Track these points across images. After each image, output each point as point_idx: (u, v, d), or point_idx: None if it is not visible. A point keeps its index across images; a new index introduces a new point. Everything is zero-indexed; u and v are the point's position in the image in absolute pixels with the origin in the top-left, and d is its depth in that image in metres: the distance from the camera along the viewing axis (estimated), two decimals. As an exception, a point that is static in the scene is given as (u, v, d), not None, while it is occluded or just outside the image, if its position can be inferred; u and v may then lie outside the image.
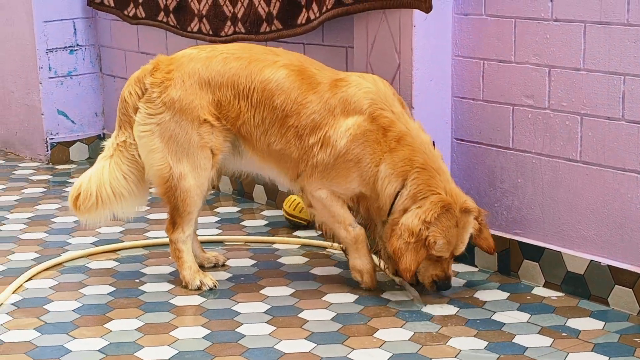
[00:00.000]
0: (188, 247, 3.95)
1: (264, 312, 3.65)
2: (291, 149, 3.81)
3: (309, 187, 3.82)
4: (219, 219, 4.83)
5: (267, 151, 3.87)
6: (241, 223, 4.74)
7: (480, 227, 3.76)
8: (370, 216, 3.86)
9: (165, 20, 5.41)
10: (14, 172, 5.86)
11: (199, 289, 3.90)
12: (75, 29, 6.04)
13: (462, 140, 4.12)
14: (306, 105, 3.78)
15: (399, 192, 3.69)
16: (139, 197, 4.05)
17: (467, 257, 4.05)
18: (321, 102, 3.78)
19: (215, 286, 3.91)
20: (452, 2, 4.03)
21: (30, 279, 4.03)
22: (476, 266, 4.09)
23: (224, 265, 4.19)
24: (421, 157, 3.70)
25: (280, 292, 3.85)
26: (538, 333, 3.43)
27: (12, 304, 3.77)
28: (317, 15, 4.42)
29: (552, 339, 3.37)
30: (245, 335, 3.44)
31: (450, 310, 3.65)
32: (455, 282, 3.92)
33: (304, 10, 4.53)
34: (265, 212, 4.91)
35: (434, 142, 3.82)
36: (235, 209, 5.00)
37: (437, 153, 3.78)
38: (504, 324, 3.51)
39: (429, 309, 3.66)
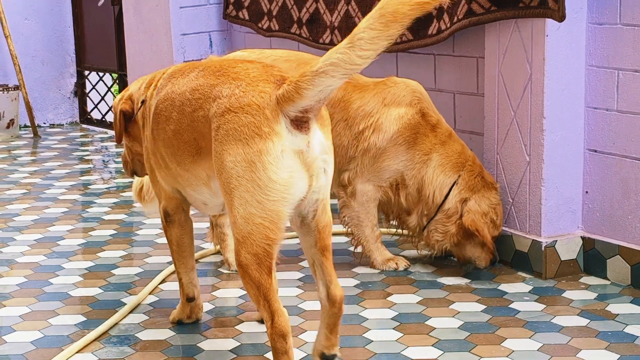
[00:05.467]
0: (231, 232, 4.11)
1: (391, 319, 3.67)
2: (341, 140, 4.17)
3: (357, 179, 4.17)
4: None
5: None
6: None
7: None
8: (408, 205, 4.19)
9: (298, 32, 5.52)
10: (151, 179, 6.05)
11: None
12: (211, 41, 6.22)
13: (595, 150, 4.06)
14: (353, 102, 4.18)
15: (454, 182, 4.10)
16: None
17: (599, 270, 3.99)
18: (370, 96, 4.17)
19: None
20: (586, 12, 3.98)
21: (164, 280, 4.17)
22: (608, 279, 4.02)
23: None
24: (470, 153, 4.19)
25: (407, 299, 3.87)
26: (672, 348, 3.35)
27: (148, 304, 3.90)
28: (448, 25, 4.43)
29: (688, 354, 3.29)
30: (372, 341, 3.47)
31: (581, 321, 3.59)
32: (587, 294, 3.87)
33: (434, 20, 4.56)
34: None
35: None
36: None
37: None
38: (637, 337, 3.44)
39: (559, 319, 3.61)
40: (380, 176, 4.17)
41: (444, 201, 4.12)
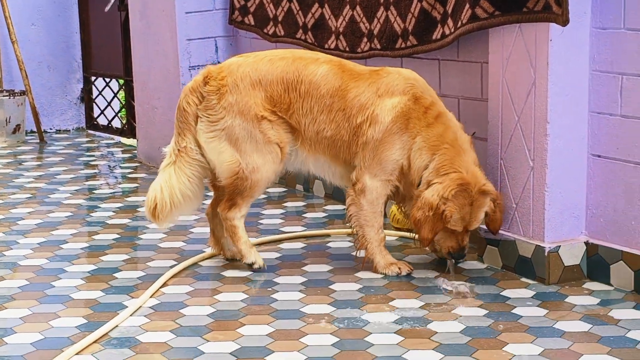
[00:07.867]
0: (242, 224, 4.28)
1: (393, 322, 3.66)
2: (341, 132, 4.18)
3: (365, 175, 4.14)
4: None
5: (317, 139, 4.24)
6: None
7: (495, 209, 4.09)
8: (408, 193, 4.20)
9: (303, 37, 5.51)
10: (156, 184, 6.05)
11: (251, 265, 4.27)
12: (216, 47, 6.22)
13: (599, 156, 4.04)
14: (350, 90, 4.18)
15: (428, 165, 4.05)
16: (200, 196, 4.38)
17: (602, 276, 3.98)
18: (365, 85, 4.18)
19: (264, 266, 4.28)
20: (590, 16, 3.97)
21: (165, 283, 4.16)
22: (612, 285, 4.00)
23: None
24: (452, 135, 4.07)
25: (410, 304, 3.86)
26: (675, 353, 3.33)
27: (150, 307, 3.90)
28: (452, 30, 4.42)
29: (690, 360, 3.26)
30: (373, 344, 3.46)
31: (584, 327, 3.57)
32: (590, 300, 3.85)
33: (439, 25, 4.55)
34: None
35: (474, 133, 4.32)
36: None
37: (467, 137, 4.14)
38: (639, 341, 3.42)
39: (562, 324, 3.60)
40: (384, 169, 4.15)
41: (419, 185, 4.12)
